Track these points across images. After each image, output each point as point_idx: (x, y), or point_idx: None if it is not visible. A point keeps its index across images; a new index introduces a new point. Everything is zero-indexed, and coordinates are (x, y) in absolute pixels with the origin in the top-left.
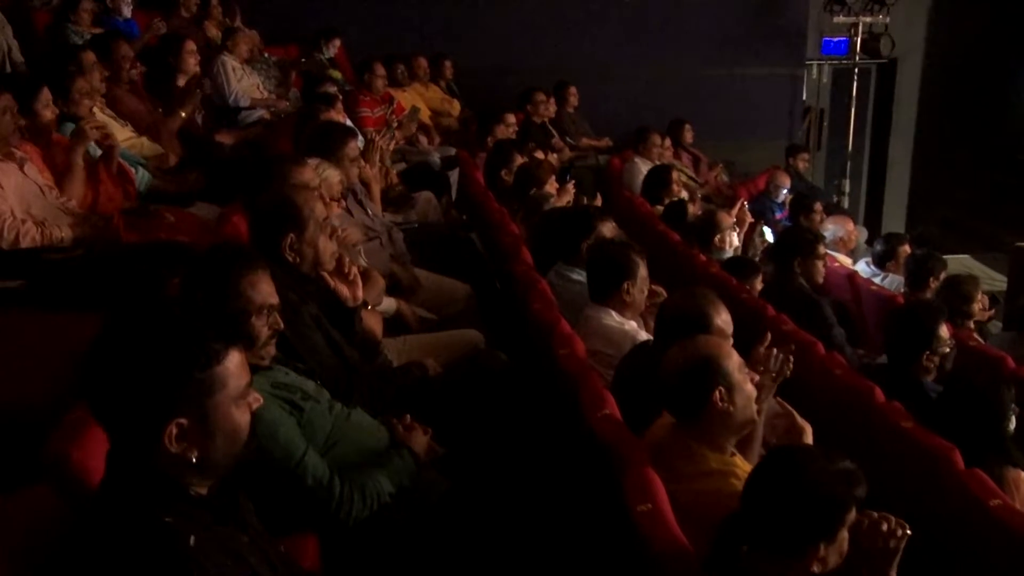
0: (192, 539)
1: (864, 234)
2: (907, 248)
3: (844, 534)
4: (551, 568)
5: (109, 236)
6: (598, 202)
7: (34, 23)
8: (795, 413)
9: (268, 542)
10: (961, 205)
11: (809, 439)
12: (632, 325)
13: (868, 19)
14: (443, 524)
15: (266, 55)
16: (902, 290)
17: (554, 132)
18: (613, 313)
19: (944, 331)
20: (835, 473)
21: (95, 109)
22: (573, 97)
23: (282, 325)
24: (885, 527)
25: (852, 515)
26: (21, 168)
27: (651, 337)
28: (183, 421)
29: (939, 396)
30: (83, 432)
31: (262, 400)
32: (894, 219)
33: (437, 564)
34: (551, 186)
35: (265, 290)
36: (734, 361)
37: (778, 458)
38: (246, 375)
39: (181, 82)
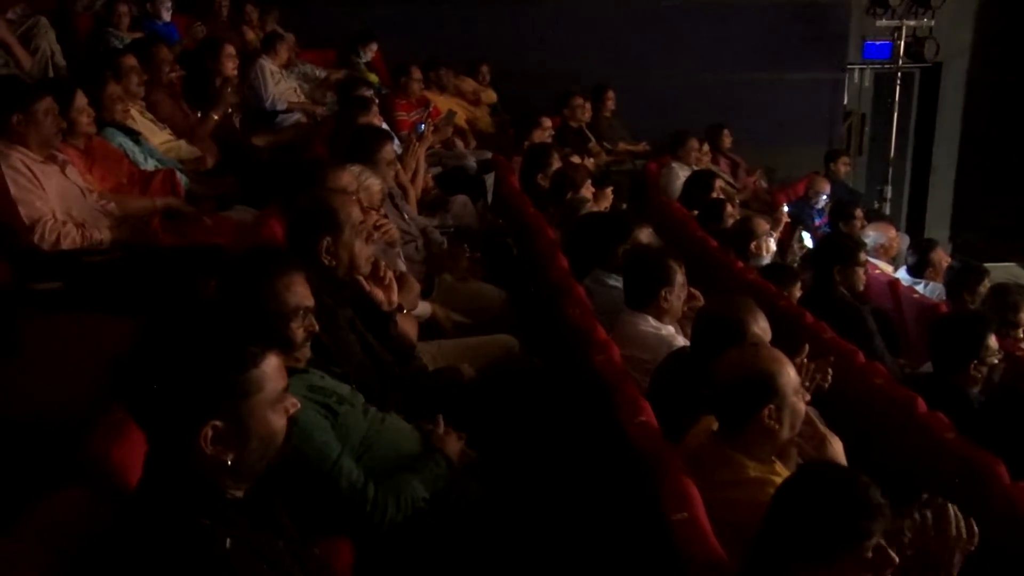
0: (228, 541)
1: (906, 241)
2: (941, 254)
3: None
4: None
5: (147, 239)
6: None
7: (76, 28)
8: (816, 421)
9: (302, 546)
10: (1007, 212)
11: (835, 448)
12: (669, 331)
13: (912, 23)
14: (476, 530)
15: (304, 62)
16: (944, 298)
17: (591, 136)
18: (650, 319)
19: (993, 341)
20: (857, 499)
21: (134, 112)
22: (610, 101)
23: (317, 327)
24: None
25: (872, 541)
26: (63, 170)
27: (687, 343)
28: (218, 423)
29: (984, 407)
30: (121, 433)
31: (299, 405)
32: (937, 226)
33: (469, 570)
34: (587, 190)
35: (301, 292)
36: (791, 380)
37: (806, 475)
38: (283, 380)
39: (219, 85)
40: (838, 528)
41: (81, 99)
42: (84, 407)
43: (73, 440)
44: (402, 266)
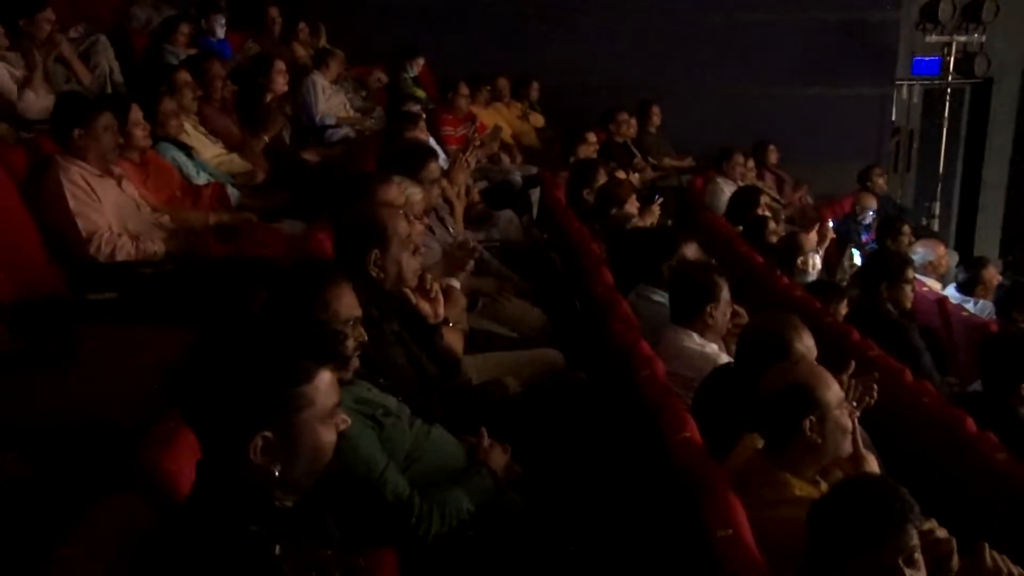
0: (277, 548)
1: (955, 258)
2: (992, 271)
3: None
4: None
5: (199, 251)
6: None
7: (133, 45)
8: (858, 440)
9: (349, 554)
10: None
11: (871, 468)
12: (713, 348)
13: (963, 38)
14: (519, 543)
15: (353, 77)
16: (994, 316)
17: (636, 152)
18: (695, 335)
19: None
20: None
21: (187, 126)
22: (656, 116)
23: (366, 337)
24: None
25: (893, 552)
26: (119, 184)
27: (731, 360)
28: (268, 435)
29: None
30: (172, 441)
31: (350, 422)
32: (987, 244)
33: None
34: (632, 206)
35: (349, 303)
36: (833, 393)
37: (839, 488)
38: (335, 395)
39: (269, 100)
40: (878, 523)
41: (136, 113)
42: (137, 414)
43: (126, 446)
44: (456, 282)
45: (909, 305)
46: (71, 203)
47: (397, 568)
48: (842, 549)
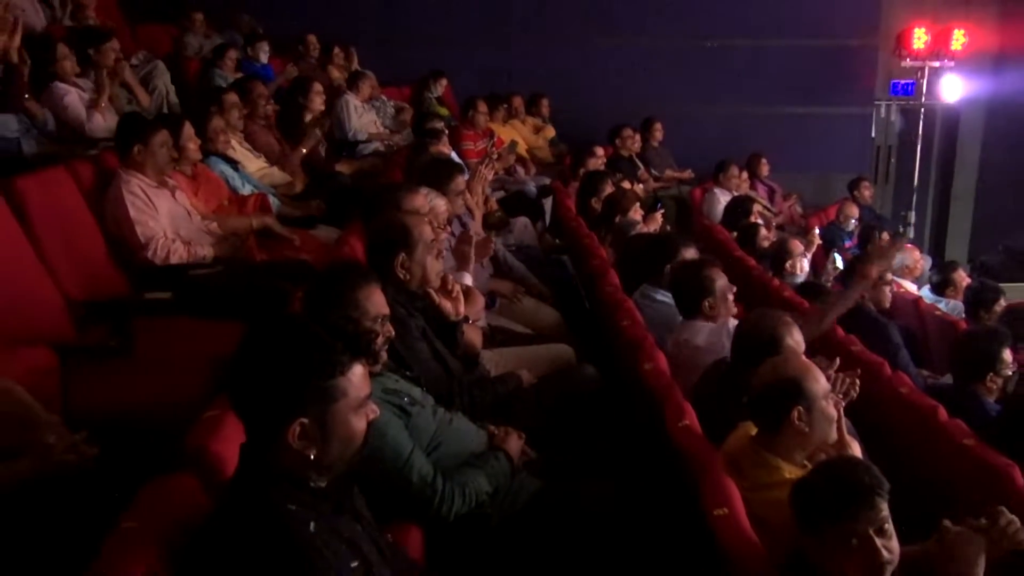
0: (312, 525)
1: (929, 262)
2: (961, 275)
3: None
4: (631, 565)
5: (244, 255)
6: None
7: (187, 70)
8: (842, 428)
9: (378, 531)
10: (1022, 237)
11: (854, 452)
12: (729, 327)
13: (935, 63)
14: (533, 520)
15: (383, 97)
16: (963, 315)
17: (640, 164)
18: (706, 323)
19: (1008, 355)
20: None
21: (234, 143)
22: (658, 132)
23: (393, 332)
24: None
25: (865, 523)
26: (172, 195)
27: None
28: (305, 421)
29: (1000, 416)
30: (220, 426)
31: (379, 412)
32: (957, 249)
33: (526, 556)
34: (636, 213)
35: (378, 302)
36: (820, 386)
37: (820, 467)
38: (366, 387)
39: (308, 118)
40: (851, 498)
41: (189, 130)
42: (188, 400)
43: (179, 430)
44: (469, 281)
45: (888, 305)
46: (131, 212)
47: (422, 543)
48: (821, 522)
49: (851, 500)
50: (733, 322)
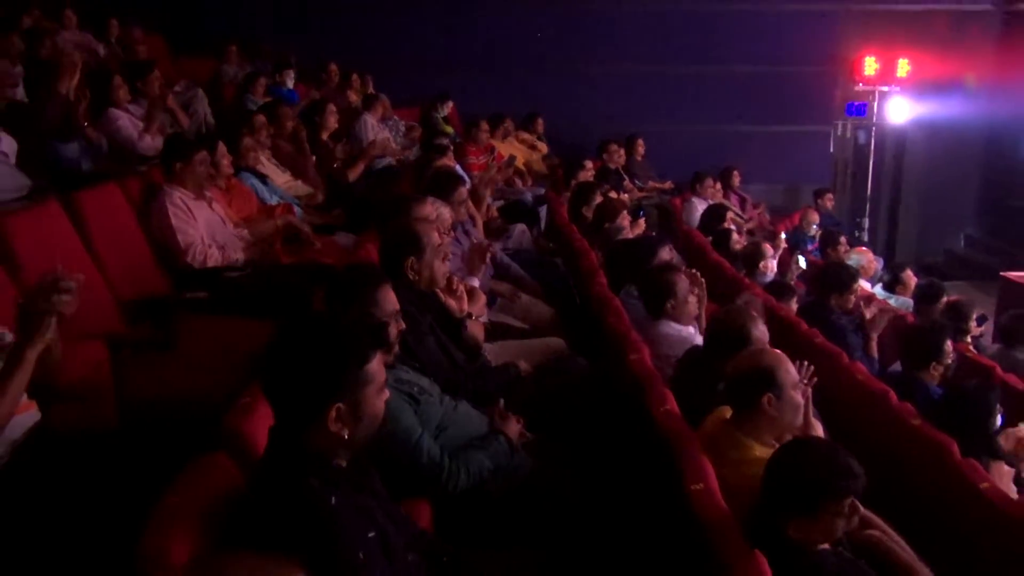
0: (333, 499)
1: (881, 263)
2: (909, 274)
3: (835, 515)
4: (618, 535)
5: (272, 259)
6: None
7: (223, 95)
8: (809, 413)
9: (392, 505)
10: (963, 241)
11: (817, 432)
12: (689, 330)
13: (885, 88)
14: (530, 495)
15: (396, 117)
16: (911, 310)
17: (625, 176)
18: (671, 323)
19: (948, 345)
20: (828, 462)
21: (263, 159)
22: (641, 147)
23: (404, 327)
24: None
25: (840, 502)
26: (209, 205)
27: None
28: (342, 406)
29: (942, 399)
30: (251, 412)
31: (391, 396)
32: (905, 251)
33: (524, 526)
34: (624, 220)
35: (391, 299)
36: (789, 376)
37: (794, 446)
38: (383, 372)
39: (324, 136)
40: (826, 487)
41: (222, 149)
42: (224, 389)
43: (216, 415)
44: (473, 281)
45: (851, 307)
46: (173, 221)
47: (431, 516)
48: (795, 500)
49: (848, 479)
50: (699, 338)
